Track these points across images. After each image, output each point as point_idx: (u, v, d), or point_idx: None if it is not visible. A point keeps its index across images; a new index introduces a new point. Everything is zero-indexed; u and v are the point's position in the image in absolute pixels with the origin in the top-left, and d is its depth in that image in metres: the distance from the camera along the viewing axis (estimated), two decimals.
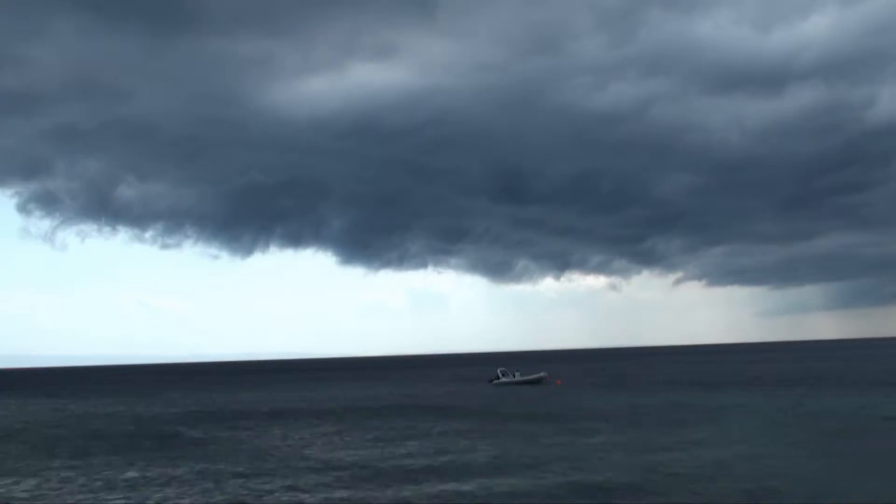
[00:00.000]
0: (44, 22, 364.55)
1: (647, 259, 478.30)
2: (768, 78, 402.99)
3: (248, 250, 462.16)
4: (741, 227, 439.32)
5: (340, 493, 23.37)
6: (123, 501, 23.08)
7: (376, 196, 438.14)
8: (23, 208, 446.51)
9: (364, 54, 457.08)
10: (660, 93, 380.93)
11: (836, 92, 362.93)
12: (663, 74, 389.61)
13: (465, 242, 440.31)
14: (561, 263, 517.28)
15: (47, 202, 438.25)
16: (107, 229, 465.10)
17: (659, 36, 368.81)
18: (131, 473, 27.90)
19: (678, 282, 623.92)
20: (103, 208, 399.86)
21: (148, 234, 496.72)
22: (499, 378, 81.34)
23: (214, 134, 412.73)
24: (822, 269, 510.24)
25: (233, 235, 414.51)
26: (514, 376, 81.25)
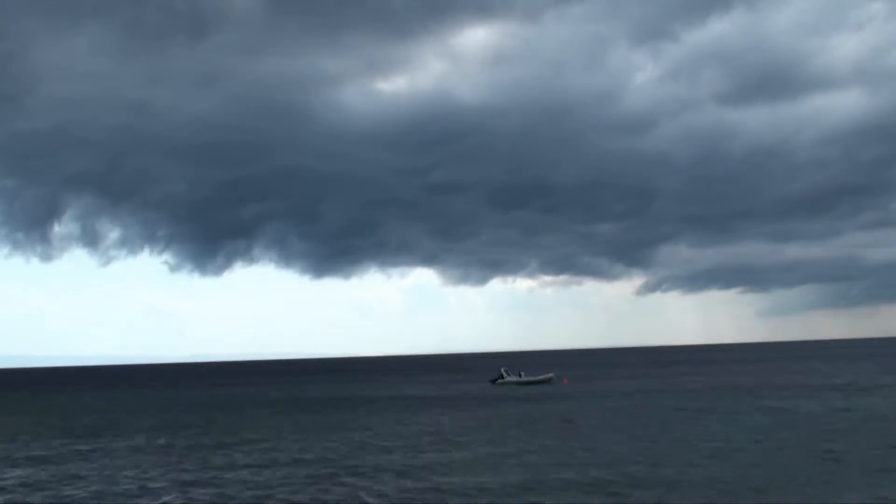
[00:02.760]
0: None
1: (644, 263, 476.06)
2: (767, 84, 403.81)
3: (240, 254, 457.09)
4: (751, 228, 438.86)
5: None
6: None
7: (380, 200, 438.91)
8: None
9: (387, 69, 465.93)
10: (675, 101, 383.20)
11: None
12: (681, 83, 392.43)
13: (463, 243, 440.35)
14: (562, 266, 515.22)
15: None
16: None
17: (681, 44, 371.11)
18: None
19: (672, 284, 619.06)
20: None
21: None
22: (502, 378, 77.66)
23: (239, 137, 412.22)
24: (827, 269, 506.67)
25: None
26: (519, 376, 78.26)
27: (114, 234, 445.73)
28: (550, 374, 79.42)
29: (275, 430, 37.87)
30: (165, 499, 21.14)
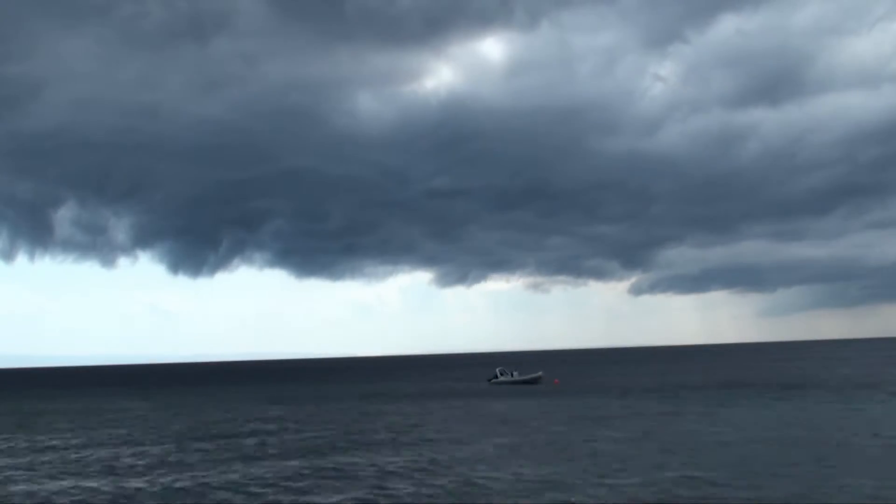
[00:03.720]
0: None
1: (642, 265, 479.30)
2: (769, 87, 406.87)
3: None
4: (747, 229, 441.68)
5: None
6: None
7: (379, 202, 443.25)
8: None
9: (401, 76, 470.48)
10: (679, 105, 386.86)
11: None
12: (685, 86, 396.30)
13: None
14: (561, 266, 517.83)
15: None
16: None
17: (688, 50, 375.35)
18: None
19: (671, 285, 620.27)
20: None
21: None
22: (497, 377, 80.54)
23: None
24: (827, 269, 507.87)
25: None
26: (511, 375, 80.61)
27: (115, 233, 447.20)
28: (539, 373, 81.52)
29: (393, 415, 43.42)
30: None
